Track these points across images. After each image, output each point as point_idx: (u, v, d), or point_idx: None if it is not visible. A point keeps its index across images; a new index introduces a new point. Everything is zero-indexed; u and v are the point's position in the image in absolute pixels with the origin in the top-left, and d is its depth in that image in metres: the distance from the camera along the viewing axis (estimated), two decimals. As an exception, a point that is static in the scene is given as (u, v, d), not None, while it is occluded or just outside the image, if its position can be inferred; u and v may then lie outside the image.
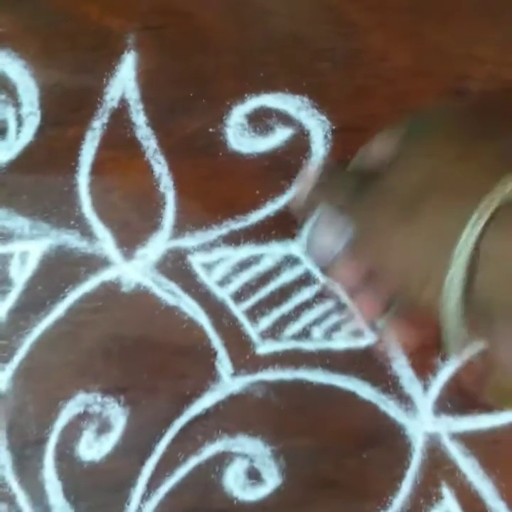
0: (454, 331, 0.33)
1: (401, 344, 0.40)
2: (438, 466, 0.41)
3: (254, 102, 0.44)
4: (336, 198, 0.37)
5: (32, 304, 0.42)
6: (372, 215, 0.35)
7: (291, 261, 0.43)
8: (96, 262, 0.43)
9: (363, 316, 0.39)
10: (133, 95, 0.44)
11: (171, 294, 0.42)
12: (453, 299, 0.32)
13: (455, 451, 0.41)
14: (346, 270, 0.38)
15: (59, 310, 0.42)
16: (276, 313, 0.43)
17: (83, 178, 0.43)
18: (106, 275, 0.42)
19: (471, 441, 0.41)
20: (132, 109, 0.44)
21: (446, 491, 0.41)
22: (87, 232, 0.43)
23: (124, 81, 0.44)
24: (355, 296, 0.39)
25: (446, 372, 0.42)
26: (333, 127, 0.44)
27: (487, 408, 0.41)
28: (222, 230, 0.43)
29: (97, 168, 0.43)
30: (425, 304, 0.33)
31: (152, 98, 0.44)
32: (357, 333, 0.42)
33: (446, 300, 0.32)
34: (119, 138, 0.44)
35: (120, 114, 0.44)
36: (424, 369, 0.42)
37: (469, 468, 0.41)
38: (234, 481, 0.41)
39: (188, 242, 0.43)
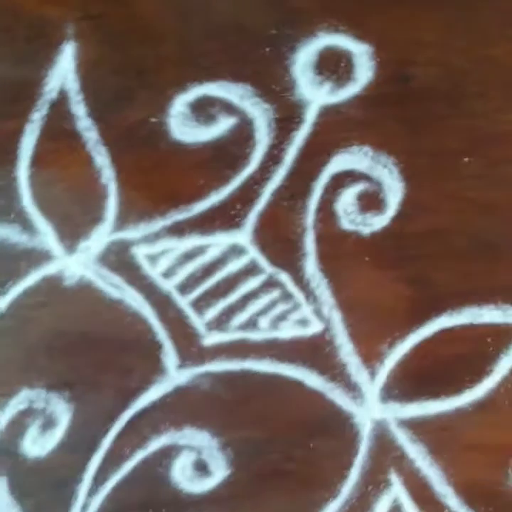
0: None
1: None
2: (386, 453, 0.42)
3: (196, 91, 0.44)
4: None
5: (-28, 300, 0.41)
6: None
7: (236, 251, 0.43)
8: (37, 256, 0.42)
9: None
10: (73, 86, 0.44)
11: (114, 287, 0.42)
12: None
13: (403, 438, 0.41)
14: None
15: (0, 306, 0.42)
16: (222, 304, 0.43)
17: (23, 171, 0.43)
18: (48, 269, 0.42)
19: (418, 427, 0.42)
20: (72, 101, 0.43)
21: (394, 478, 0.41)
22: (27, 226, 0.42)
23: (64, 72, 0.44)
24: None
25: (392, 358, 0.41)
26: (277, 116, 0.43)
27: (434, 394, 0.41)
28: (166, 221, 0.43)
29: (37, 161, 0.43)
30: None
31: (93, 89, 0.44)
32: (303, 322, 0.42)
33: None
34: (60, 130, 0.44)
35: (60, 106, 0.44)
36: (370, 357, 0.42)
37: (417, 454, 0.41)
38: (181, 474, 0.41)
39: (131, 233, 0.43)
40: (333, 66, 0.44)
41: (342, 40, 0.45)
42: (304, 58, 0.45)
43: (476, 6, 0.43)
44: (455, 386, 0.42)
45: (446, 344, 0.42)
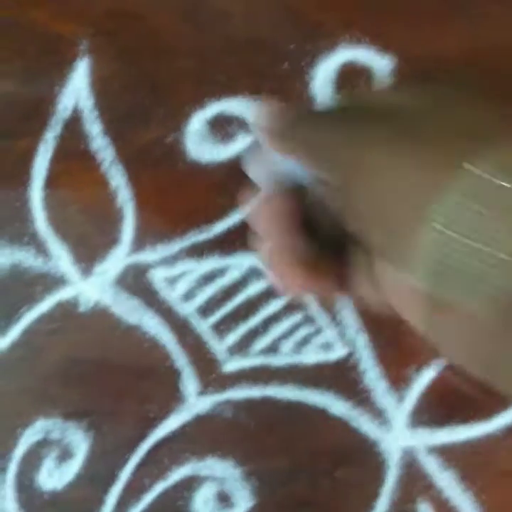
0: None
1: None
2: (414, 482, 0.40)
3: (214, 108, 0.42)
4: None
5: (-15, 327, 0.40)
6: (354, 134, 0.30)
7: (257, 272, 0.41)
8: (52, 281, 0.41)
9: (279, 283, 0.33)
10: (87, 104, 0.42)
11: (131, 311, 0.41)
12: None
13: (432, 466, 0.40)
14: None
15: (14, 332, 0.41)
16: (243, 328, 0.41)
17: (36, 192, 0.42)
18: (62, 294, 0.41)
19: (448, 454, 0.40)
20: (86, 119, 0.42)
21: (424, 508, 0.40)
22: (42, 249, 0.41)
23: (77, 89, 0.42)
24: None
25: (421, 383, 0.40)
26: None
27: (464, 419, 0.39)
28: (185, 242, 0.41)
29: (51, 182, 0.42)
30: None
31: (107, 106, 0.43)
32: (327, 346, 0.40)
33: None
34: (74, 149, 0.42)
35: (74, 124, 0.42)
36: (397, 381, 0.40)
37: (447, 482, 0.40)
38: (203, 506, 0.40)
39: (148, 256, 0.41)
40: (354, 82, 0.43)
41: (362, 55, 0.43)
42: (323, 74, 0.44)
43: (503, 24, 0.42)
44: (485, 411, 0.41)
45: (475, 368, 0.41)
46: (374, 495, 0.41)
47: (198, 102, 0.43)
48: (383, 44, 0.43)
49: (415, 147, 0.28)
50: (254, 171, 0.36)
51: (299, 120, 0.33)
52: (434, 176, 0.27)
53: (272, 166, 0.34)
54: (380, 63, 0.43)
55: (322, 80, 0.44)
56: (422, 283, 0.27)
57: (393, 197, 0.28)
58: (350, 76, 0.44)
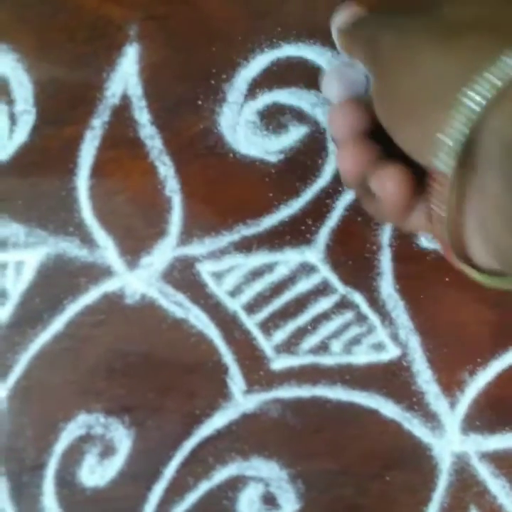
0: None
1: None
2: (466, 489, 0.39)
3: (266, 98, 0.41)
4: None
5: (29, 317, 0.41)
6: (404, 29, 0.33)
7: (307, 269, 0.40)
8: (97, 272, 0.40)
9: (344, 171, 0.36)
10: (136, 91, 0.41)
11: (178, 305, 0.40)
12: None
13: (484, 472, 0.39)
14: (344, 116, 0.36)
15: (58, 324, 0.40)
16: (291, 326, 0.40)
17: (82, 181, 0.41)
18: (108, 286, 0.40)
19: (501, 461, 0.40)
20: (135, 107, 0.41)
21: None
22: (87, 240, 0.40)
23: (126, 76, 0.41)
24: (343, 146, 0.36)
25: (474, 387, 0.39)
26: (351, 125, 0.40)
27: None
28: (233, 236, 0.40)
29: (97, 170, 0.41)
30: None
31: (156, 94, 0.42)
32: (378, 347, 0.39)
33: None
34: (121, 137, 0.41)
35: (122, 112, 0.41)
36: (450, 385, 0.39)
37: (500, 490, 0.39)
38: (248, 507, 0.39)
39: (196, 249, 0.40)
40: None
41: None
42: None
43: None
44: (540, 417, 0.40)
45: (532, 373, 0.40)
46: (425, 500, 0.40)
47: (251, 91, 0.42)
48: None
49: (453, 37, 0.30)
50: (327, 84, 0.39)
51: (367, 19, 0.37)
52: (470, 62, 0.28)
53: (344, 77, 0.38)
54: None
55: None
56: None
57: (430, 80, 0.30)
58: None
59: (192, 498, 0.40)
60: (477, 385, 0.41)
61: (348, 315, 0.41)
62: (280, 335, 0.41)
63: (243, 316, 0.41)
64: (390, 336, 0.41)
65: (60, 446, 0.40)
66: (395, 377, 0.41)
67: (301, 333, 0.41)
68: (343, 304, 0.42)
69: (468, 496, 0.40)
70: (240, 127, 0.43)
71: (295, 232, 0.42)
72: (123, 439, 0.40)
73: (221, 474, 0.40)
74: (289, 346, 0.41)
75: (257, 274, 0.42)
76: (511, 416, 0.40)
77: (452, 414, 0.41)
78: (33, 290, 0.41)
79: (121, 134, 0.42)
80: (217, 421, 0.40)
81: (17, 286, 0.41)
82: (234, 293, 0.42)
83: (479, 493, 0.40)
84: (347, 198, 0.42)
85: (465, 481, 0.40)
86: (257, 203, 0.42)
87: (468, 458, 0.40)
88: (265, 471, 0.40)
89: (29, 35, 0.43)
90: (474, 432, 0.40)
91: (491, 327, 0.41)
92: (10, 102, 0.43)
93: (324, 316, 0.42)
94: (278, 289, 0.42)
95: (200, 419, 0.40)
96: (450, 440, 0.40)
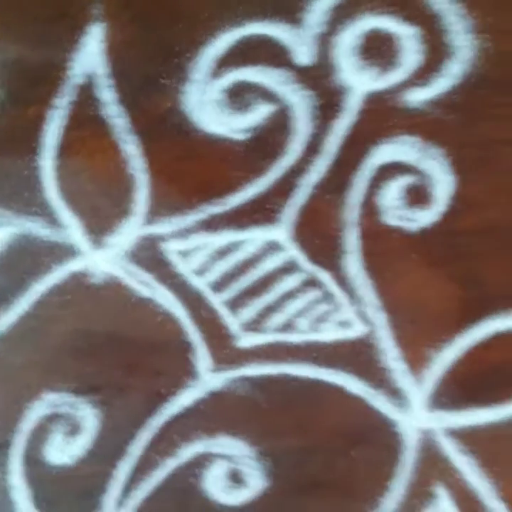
0: None
1: None
2: (432, 465, 0.40)
3: (231, 77, 0.41)
4: None
5: (-6, 297, 0.39)
6: None
7: (273, 247, 0.41)
8: (62, 252, 0.41)
9: None
10: (100, 70, 0.42)
11: (144, 284, 0.40)
12: None
13: (450, 449, 0.40)
14: None
15: (23, 304, 0.41)
16: (258, 304, 0.41)
17: (46, 161, 0.41)
18: (73, 265, 0.40)
19: (467, 437, 0.40)
20: (99, 86, 0.42)
21: (441, 491, 0.40)
22: (52, 219, 0.41)
23: (90, 55, 0.42)
24: None
25: (441, 364, 0.39)
26: (318, 103, 0.40)
27: (485, 402, 0.38)
28: (199, 215, 0.41)
29: (61, 150, 0.42)
30: None
31: (121, 73, 0.42)
32: (345, 325, 0.40)
33: None
34: (86, 117, 0.42)
35: (86, 91, 0.42)
36: (417, 362, 0.40)
37: (466, 466, 0.40)
38: (215, 485, 0.39)
39: (162, 228, 0.41)
40: (379, 50, 0.42)
41: (388, 23, 0.42)
42: (347, 42, 0.42)
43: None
44: (507, 394, 0.40)
45: (498, 348, 0.40)
46: (390, 475, 0.40)
47: (216, 70, 0.42)
48: (409, 11, 0.42)
49: None
50: None
51: None
52: None
53: None
54: (406, 31, 0.42)
55: (346, 48, 0.43)
56: None
57: None
58: (375, 44, 0.42)
59: (158, 475, 0.40)
60: (443, 362, 0.41)
61: (315, 293, 0.42)
62: (247, 313, 0.42)
63: (210, 295, 0.42)
64: (357, 313, 0.41)
65: (27, 425, 0.40)
66: (361, 354, 0.41)
67: (267, 311, 0.42)
68: (310, 282, 0.42)
69: (434, 472, 0.41)
70: (206, 106, 0.43)
71: (261, 211, 0.42)
72: (90, 418, 0.40)
73: (187, 452, 0.40)
74: (255, 324, 0.42)
75: (223, 252, 0.42)
76: (477, 392, 0.41)
77: (418, 391, 0.41)
78: (-3, 270, 0.42)
79: (85, 114, 0.42)
80: (184, 399, 0.41)
81: (-18, 266, 0.42)
82: (200, 272, 0.42)
83: (445, 469, 0.41)
84: (313, 176, 0.42)
85: (431, 457, 0.41)
86: (223, 181, 0.42)
87: (434, 434, 0.41)
88: (232, 449, 0.40)
89: (-7, 14, 0.43)
90: (441, 409, 0.41)
91: (456, 303, 0.41)
92: (-27, 81, 0.43)
93: (291, 295, 0.42)
94: (244, 267, 0.42)
95: (166, 397, 0.41)
96: (416, 417, 0.41)
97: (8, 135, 0.42)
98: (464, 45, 0.43)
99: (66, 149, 0.42)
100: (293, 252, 0.43)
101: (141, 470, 0.41)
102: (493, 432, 0.41)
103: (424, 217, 0.42)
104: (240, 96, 0.43)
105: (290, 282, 0.43)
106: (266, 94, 0.43)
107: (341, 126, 0.43)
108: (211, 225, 0.43)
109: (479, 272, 0.42)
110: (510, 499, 0.41)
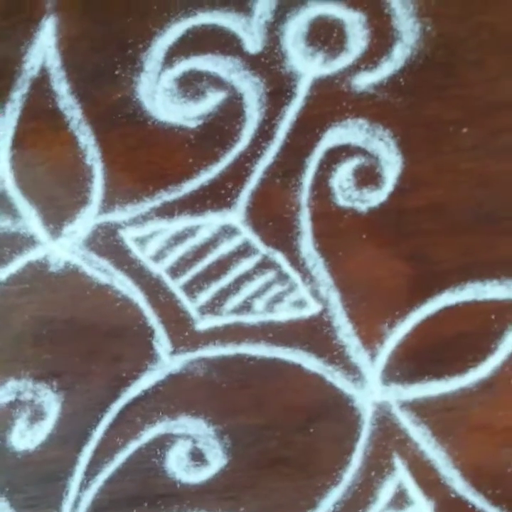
0: None
1: None
2: (388, 437, 0.41)
3: (183, 66, 0.42)
4: None
5: (-46, 288, 0.40)
6: None
7: (228, 231, 0.42)
8: (21, 242, 0.42)
9: None
10: (54, 63, 0.43)
11: (102, 271, 0.41)
12: None
13: (406, 421, 0.41)
14: None
15: None
16: (215, 287, 0.42)
17: (4, 153, 0.42)
18: (32, 255, 0.41)
19: (422, 409, 0.42)
20: (54, 78, 0.43)
21: (398, 462, 0.41)
22: (10, 210, 0.42)
23: (44, 48, 0.43)
24: None
25: (393, 339, 0.40)
26: (268, 90, 0.41)
27: (437, 374, 0.39)
28: (155, 201, 0.42)
29: (18, 142, 0.43)
30: None
31: (75, 65, 0.43)
32: (300, 304, 0.41)
33: None
34: (41, 109, 0.43)
35: (41, 84, 0.43)
36: (370, 337, 0.41)
37: (421, 437, 0.41)
38: (176, 464, 0.40)
39: (118, 216, 0.42)
40: (325, 36, 0.43)
41: (334, 9, 0.43)
42: (294, 29, 0.43)
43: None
44: (459, 365, 0.42)
45: (448, 322, 0.42)
46: (349, 450, 0.41)
47: (167, 59, 0.43)
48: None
49: None
50: None
51: None
52: None
53: None
54: (351, 17, 0.43)
55: (293, 35, 0.44)
56: None
57: None
58: (322, 31, 0.44)
59: (121, 457, 0.41)
60: (396, 336, 0.42)
61: (270, 274, 0.43)
62: (204, 296, 0.43)
63: (167, 280, 0.43)
64: (311, 292, 0.43)
65: (-10, 412, 0.41)
66: (316, 332, 0.42)
67: (224, 294, 0.43)
68: (265, 264, 0.43)
69: (390, 443, 0.42)
70: (158, 95, 0.44)
71: (216, 196, 0.43)
72: (52, 403, 0.41)
73: (149, 433, 0.41)
74: (212, 307, 0.43)
75: (179, 238, 0.43)
76: (430, 365, 0.42)
77: (372, 366, 0.42)
78: (-43, 261, 0.42)
79: (40, 106, 0.44)
80: (144, 382, 0.42)
81: None
82: (157, 257, 0.43)
83: (401, 441, 0.42)
84: (265, 161, 0.44)
85: (387, 429, 0.42)
86: (177, 168, 0.43)
87: (389, 407, 0.42)
88: (192, 429, 0.42)
89: None
90: (394, 382, 0.42)
91: (407, 280, 0.42)
92: None
93: (246, 277, 0.43)
94: (201, 252, 0.43)
95: (127, 381, 0.42)
96: (371, 391, 0.42)
97: (-36, 129, 0.43)
98: (408, 30, 0.45)
99: (22, 141, 0.43)
100: (248, 235, 0.44)
101: (104, 453, 0.42)
102: (446, 403, 0.43)
103: (373, 198, 0.43)
104: (191, 84, 0.44)
105: (245, 265, 0.44)
106: (217, 82, 0.44)
107: (291, 111, 0.44)
108: (167, 211, 0.44)
109: (427, 249, 0.43)
110: (465, 468, 0.43)
